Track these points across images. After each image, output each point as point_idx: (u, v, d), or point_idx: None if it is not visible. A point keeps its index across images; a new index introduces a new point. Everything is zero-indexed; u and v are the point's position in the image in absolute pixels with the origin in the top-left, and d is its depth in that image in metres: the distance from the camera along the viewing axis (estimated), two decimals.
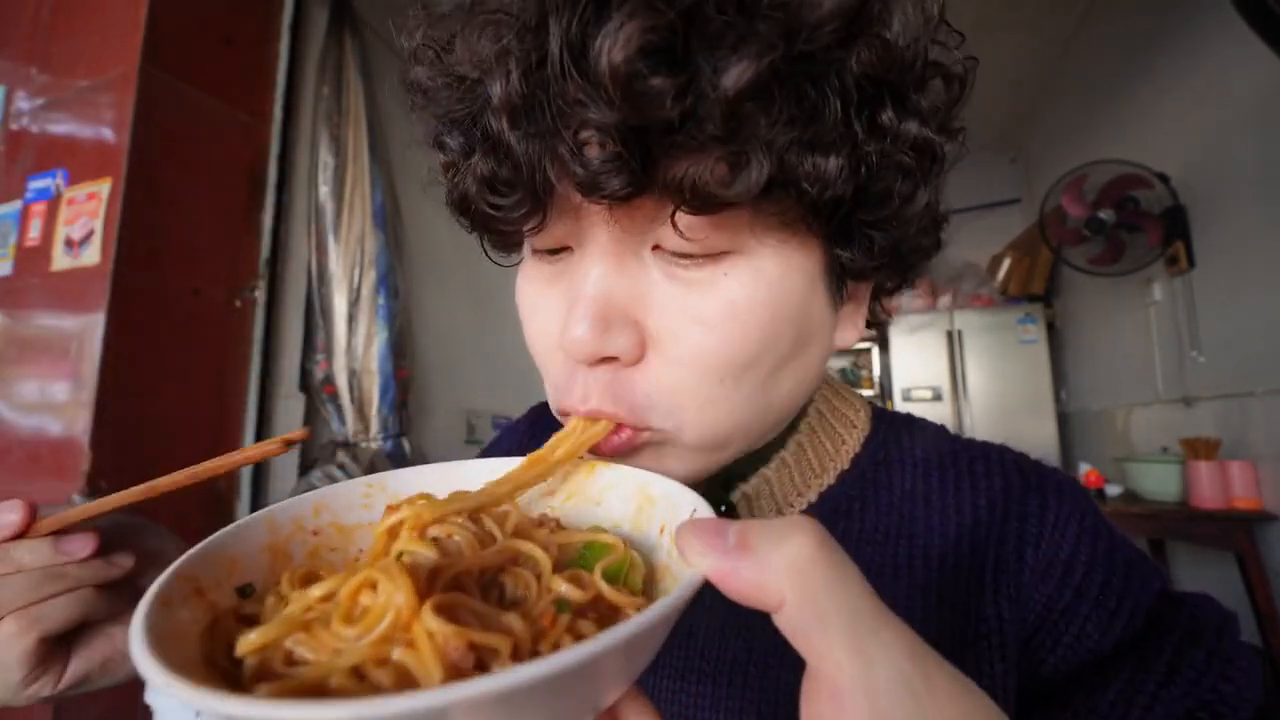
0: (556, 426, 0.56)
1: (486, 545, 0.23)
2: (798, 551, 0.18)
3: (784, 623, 0.18)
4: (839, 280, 0.34)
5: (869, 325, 0.40)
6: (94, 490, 1.34)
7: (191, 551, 0.21)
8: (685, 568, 0.20)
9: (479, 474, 0.30)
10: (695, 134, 0.24)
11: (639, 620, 0.16)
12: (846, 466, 0.42)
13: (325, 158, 2.03)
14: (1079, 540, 0.37)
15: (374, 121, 2.21)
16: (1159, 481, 2.26)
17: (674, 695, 0.38)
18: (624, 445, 0.31)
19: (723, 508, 0.40)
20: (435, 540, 0.22)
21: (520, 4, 0.25)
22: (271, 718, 0.14)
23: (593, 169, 0.25)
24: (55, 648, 0.33)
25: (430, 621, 0.17)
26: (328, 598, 0.19)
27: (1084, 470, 2.54)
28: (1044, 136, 3.67)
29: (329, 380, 2.02)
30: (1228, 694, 0.31)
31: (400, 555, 0.21)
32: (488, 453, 0.58)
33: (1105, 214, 2.50)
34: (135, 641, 0.17)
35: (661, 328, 0.30)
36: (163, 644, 0.17)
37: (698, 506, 0.24)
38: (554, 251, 0.33)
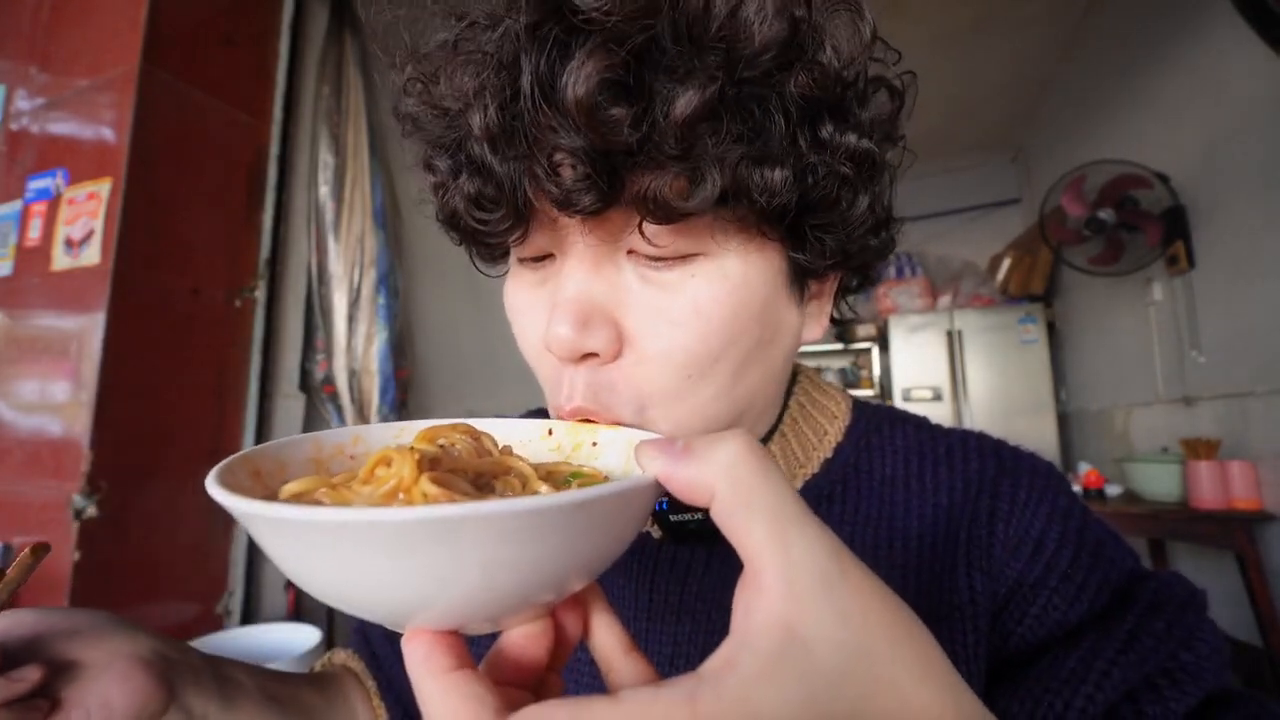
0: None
1: (484, 458, 0.27)
2: (729, 452, 0.21)
3: (717, 513, 0.21)
4: (800, 280, 0.37)
5: (834, 322, 0.44)
6: (94, 490, 1.34)
7: (250, 449, 0.26)
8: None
9: (507, 428, 0.33)
10: (654, 154, 0.28)
11: (604, 487, 0.20)
12: (830, 455, 0.44)
13: (325, 157, 2.03)
14: (1050, 519, 0.39)
15: (374, 121, 2.21)
16: (1159, 481, 2.26)
17: (643, 636, 0.41)
18: None
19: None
20: (441, 446, 0.26)
21: (496, 44, 0.29)
22: (296, 518, 0.18)
23: (565, 188, 0.28)
24: None
25: (426, 485, 0.22)
26: (353, 474, 0.24)
27: (1084, 470, 2.54)
28: (1044, 136, 3.67)
29: (329, 380, 2.02)
30: (1187, 662, 0.33)
31: (411, 448, 0.25)
32: None
33: (1105, 214, 2.50)
34: (209, 479, 0.21)
35: (636, 327, 0.33)
36: (225, 483, 0.22)
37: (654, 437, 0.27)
38: (538, 259, 0.36)
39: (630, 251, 0.33)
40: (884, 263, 0.42)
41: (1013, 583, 0.38)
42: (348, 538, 0.18)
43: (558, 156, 0.28)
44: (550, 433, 0.33)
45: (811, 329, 0.40)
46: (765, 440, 0.43)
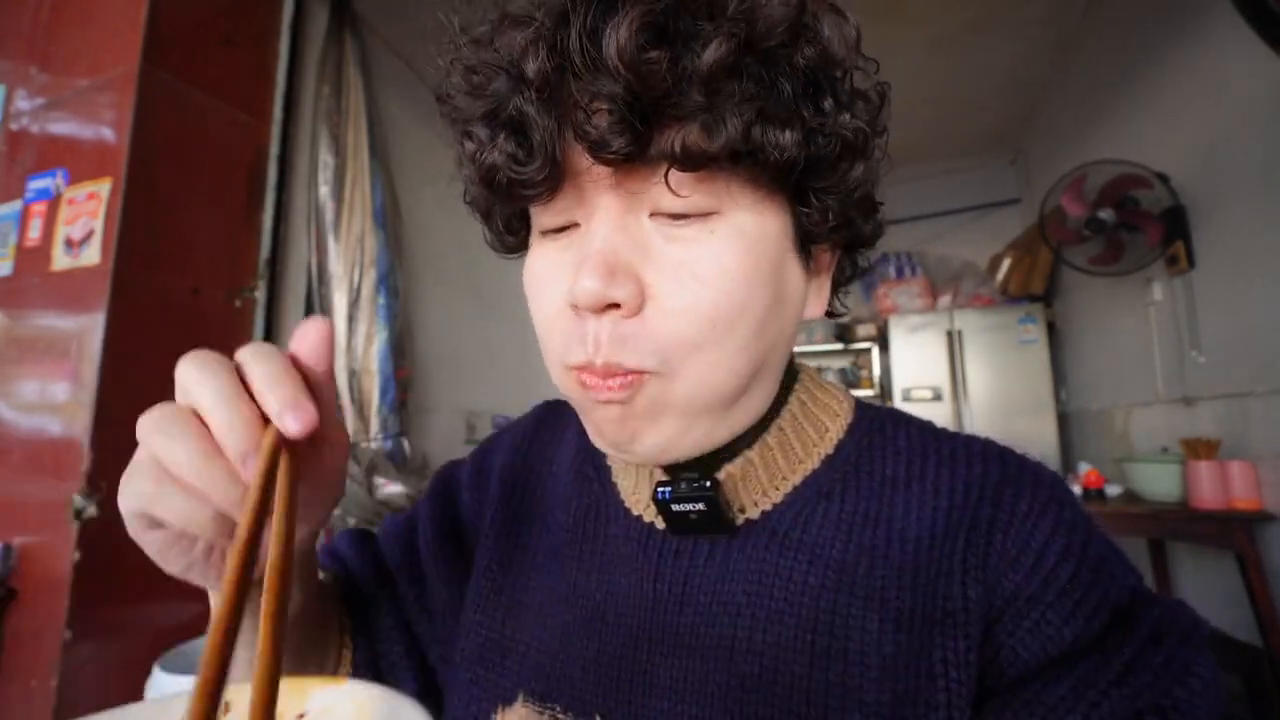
0: (563, 424, 0.56)
1: None
2: None
3: None
4: (805, 248, 0.40)
5: (829, 315, 0.46)
6: (94, 490, 1.34)
7: None
8: None
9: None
10: (681, 103, 0.31)
11: None
12: (831, 451, 0.44)
13: (325, 158, 2.03)
14: (1053, 532, 0.38)
15: (374, 121, 2.21)
16: (1159, 481, 2.26)
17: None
18: (627, 385, 0.35)
19: (708, 483, 0.41)
20: None
21: (545, 10, 0.32)
22: None
23: (602, 130, 0.31)
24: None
25: None
26: None
27: (1084, 470, 2.54)
28: (1044, 136, 3.67)
29: None
30: (1180, 699, 0.32)
31: None
32: (492, 445, 0.59)
33: (1105, 214, 2.50)
34: None
35: (658, 282, 0.35)
36: None
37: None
38: (559, 230, 0.38)
39: (652, 214, 0.35)
40: (874, 252, 0.45)
41: (1009, 594, 0.37)
42: None
43: (596, 104, 0.31)
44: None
45: (812, 304, 0.42)
46: (761, 431, 0.43)
